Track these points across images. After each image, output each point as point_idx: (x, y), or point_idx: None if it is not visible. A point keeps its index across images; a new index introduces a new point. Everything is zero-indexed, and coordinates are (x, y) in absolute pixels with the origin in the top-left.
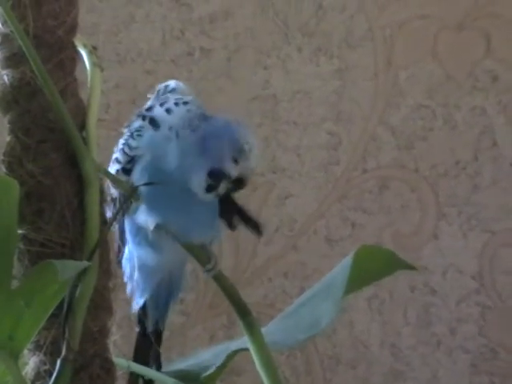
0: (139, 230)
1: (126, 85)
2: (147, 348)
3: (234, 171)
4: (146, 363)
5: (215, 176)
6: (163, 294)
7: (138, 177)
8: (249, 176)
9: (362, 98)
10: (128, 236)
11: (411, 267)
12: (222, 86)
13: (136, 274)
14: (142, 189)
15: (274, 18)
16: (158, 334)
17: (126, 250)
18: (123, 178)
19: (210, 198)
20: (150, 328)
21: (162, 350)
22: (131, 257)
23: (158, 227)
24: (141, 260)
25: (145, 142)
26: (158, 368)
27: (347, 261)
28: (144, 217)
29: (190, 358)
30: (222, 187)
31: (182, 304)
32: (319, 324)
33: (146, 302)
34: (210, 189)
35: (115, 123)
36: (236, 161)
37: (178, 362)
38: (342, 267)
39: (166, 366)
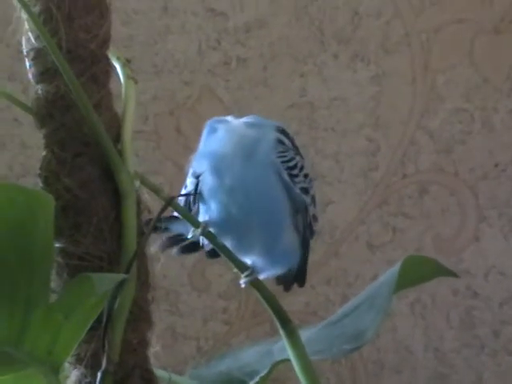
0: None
1: (163, 96)
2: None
3: None
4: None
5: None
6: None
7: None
8: None
9: (400, 103)
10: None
11: (453, 274)
12: (259, 95)
13: None
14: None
15: (309, 25)
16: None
17: None
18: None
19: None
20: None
21: (205, 359)
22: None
23: (204, 230)
24: None
25: None
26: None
27: (392, 272)
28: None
29: (229, 358)
30: None
31: (225, 313)
32: (364, 335)
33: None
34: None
35: (153, 134)
36: None
37: (217, 360)
38: (387, 277)
39: (205, 367)
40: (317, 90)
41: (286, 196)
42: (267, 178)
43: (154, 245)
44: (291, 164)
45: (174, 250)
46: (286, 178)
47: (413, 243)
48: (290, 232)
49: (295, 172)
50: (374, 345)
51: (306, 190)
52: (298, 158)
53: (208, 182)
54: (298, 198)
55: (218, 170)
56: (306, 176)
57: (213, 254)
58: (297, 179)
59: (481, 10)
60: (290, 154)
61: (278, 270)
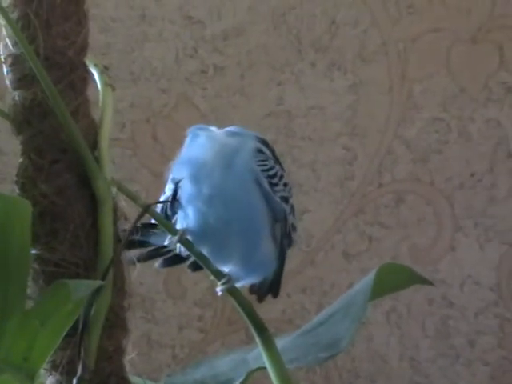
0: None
1: (140, 103)
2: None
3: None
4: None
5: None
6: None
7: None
8: None
9: (377, 113)
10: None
11: (429, 282)
12: (237, 103)
13: None
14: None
15: (286, 34)
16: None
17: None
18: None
19: None
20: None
21: (180, 367)
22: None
23: (181, 237)
24: None
25: None
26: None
27: (368, 280)
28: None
29: (204, 366)
30: None
31: (201, 321)
32: (339, 343)
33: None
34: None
35: (130, 142)
36: None
37: (192, 368)
38: (362, 286)
39: (180, 375)
40: (294, 99)
41: (265, 205)
42: (246, 186)
43: (132, 255)
44: (271, 173)
45: (158, 262)
46: (266, 186)
47: (389, 252)
48: (268, 241)
49: (275, 181)
50: (349, 353)
51: (285, 199)
52: (277, 167)
53: (187, 189)
54: (278, 206)
55: (197, 177)
56: (285, 185)
57: (195, 266)
58: (277, 188)
59: (458, 19)
60: (270, 162)
61: (254, 279)
